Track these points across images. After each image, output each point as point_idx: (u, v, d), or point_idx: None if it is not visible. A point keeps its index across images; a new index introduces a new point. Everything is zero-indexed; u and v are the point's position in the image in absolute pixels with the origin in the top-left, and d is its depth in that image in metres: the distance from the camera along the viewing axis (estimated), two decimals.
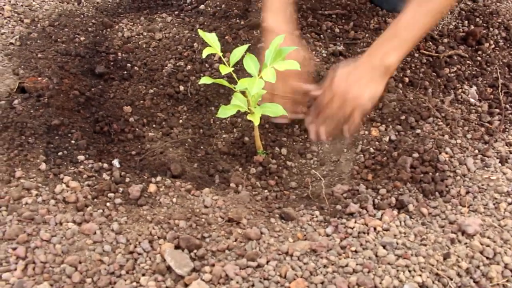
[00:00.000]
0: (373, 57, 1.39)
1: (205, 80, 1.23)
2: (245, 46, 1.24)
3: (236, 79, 1.27)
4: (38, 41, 1.66)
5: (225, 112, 1.25)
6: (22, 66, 1.55)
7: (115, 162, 1.34)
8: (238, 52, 1.23)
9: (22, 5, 1.82)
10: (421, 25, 1.38)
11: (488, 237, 1.14)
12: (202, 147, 1.52)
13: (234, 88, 1.24)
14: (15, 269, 1.03)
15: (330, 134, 1.45)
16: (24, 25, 1.75)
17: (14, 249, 1.06)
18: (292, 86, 1.45)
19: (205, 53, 1.22)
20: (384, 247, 1.10)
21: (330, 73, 1.46)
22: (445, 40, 1.80)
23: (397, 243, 1.11)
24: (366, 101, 1.39)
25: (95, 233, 1.12)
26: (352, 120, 1.42)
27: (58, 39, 1.68)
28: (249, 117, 1.28)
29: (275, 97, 1.43)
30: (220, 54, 1.25)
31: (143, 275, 1.05)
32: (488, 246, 1.12)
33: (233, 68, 1.22)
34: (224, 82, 1.27)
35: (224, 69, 1.20)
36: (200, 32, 1.26)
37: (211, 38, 1.25)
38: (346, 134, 1.45)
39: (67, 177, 1.25)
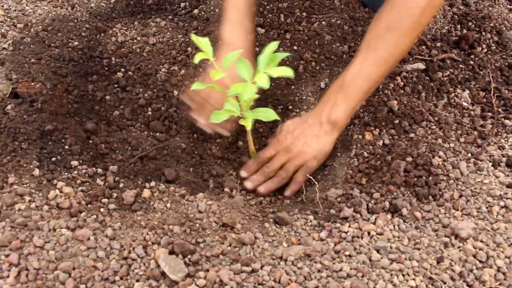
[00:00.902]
0: (321, 112, 1.35)
1: (197, 85, 1.23)
2: (238, 51, 1.24)
3: (229, 84, 1.27)
4: (31, 46, 1.66)
5: (217, 117, 1.25)
6: (15, 71, 1.54)
7: (113, 168, 1.33)
8: (230, 57, 1.23)
9: (15, 10, 1.81)
10: (368, 77, 1.33)
11: (481, 241, 1.15)
12: (196, 152, 1.52)
13: (227, 93, 1.24)
14: (8, 276, 1.02)
15: (268, 191, 1.35)
16: (17, 30, 1.74)
17: (7, 256, 1.06)
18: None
19: (197, 58, 1.22)
20: (378, 251, 1.11)
21: (278, 128, 1.43)
22: (438, 44, 1.81)
23: (391, 247, 1.12)
24: (311, 158, 1.34)
25: (88, 239, 1.12)
26: (294, 179, 1.36)
27: (52, 44, 1.67)
28: (241, 122, 1.28)
29: (207, 104, 1.40)
30: (213, 59, 1.25)
31: (137, 281, 1.04)
32: (481, 249, 1.12)
33: (225, 74, 1.22)
34: (217, 87, 1.28)
35: (216, 74, 1.20)
36: (193, 36, 1.26)
37: (204, 43, 1.25)
38: (286, 194, 1.36)
39: (60, 182, 1.25)
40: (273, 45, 1.24)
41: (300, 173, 1.35)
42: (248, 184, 1.35)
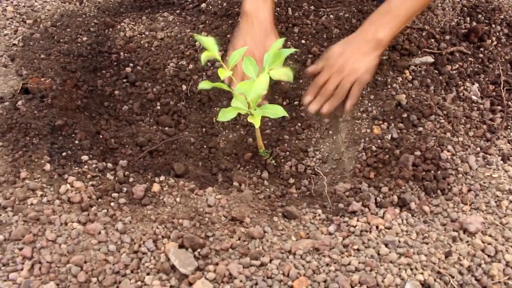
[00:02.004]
0: (366, 32, 1.45)
1: (204, 85, 1.24)
2: (244, 49, 1.24)
3: (236, 81, 1.27)
4: (41, 41, 1.67)
5: (225, 115, 1.25)
6: (25, 67, 1.55)
7: (123, 163, 1.35)
8: (237, 54, 1.23)
9: (24, 6, 1.83)
10: (415, 2, 1.42)
11: (490, 235, 1.15)
12: (205, 146, 1.53)
13: (233, 91, 1.25)
14: (22, 269, 1.04)
15: (331, 109, 1.47)
16: (26, 25, 1.75)
17: (21, 249, 1.08)
18: None
19: (204, 58, 1.22)
20: (386, 245, 1.11)
21: (324, 53, 1.51)
22: (447, 37, 1.79)
23: (399, 242, 1.12)
24: (363, 72, 1.43)
25: (99, 233, 1.13)
26: (351, 94, 1.45)
27: (61, 40, 1.68)
28: (249, 119, 1.29)
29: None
30: (219, 58, 1.24)
31: (148, 274, 1.06)
32: (489, 244, 1.12)
33: (232, 72, 1.22)
34: (224, 85, 1.28)
35: (223, 73, 1.20)
36: (196, 36, 1.26)
37: (208, 42, 1.24)
38: (348, 108, 1.47)
39: (71, 177, 1.26)
40: (279, 42, 1.24)
41: (356, 87, 1.44)
42: (313, 107, 1.46)
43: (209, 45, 1.25)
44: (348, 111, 1.48)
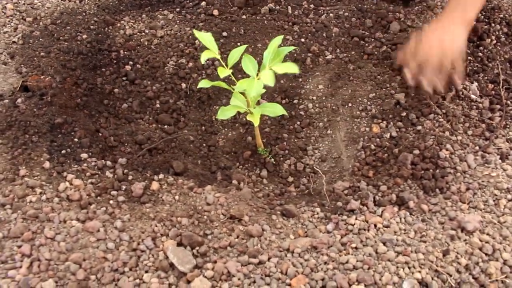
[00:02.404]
0: (452, 17, 1.52)
1: (203, 83, 1.24)
2: (243, 47, 1.24)
3: (235, 80, 1.27)
4: (41, 39, 1.67)
5: (224, 113, 1.26)
6: (25, 65, 1.56)
7: (122, 161, 1.35)
8: (236, 53, 1.23)
9: (24, 4, 1.83)
10: None
11: (488, 234, 1.15)
12: (204, 145, 1.53)
13: (233, 89, 1.25)
14: (21, 267, 1.04)
15: (440, 87, 1.52)
16: (26, 23, 1.75)
17: (19, 246, 1.08)
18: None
19: (203, 58, 1.21)
20: (384, 243, 1.12)
21: (413, 36, 1.56)
22: None
23: (397, 240, 1.13)
24: (460, 48, 1.51)
25: (98, 230, 1.14)
26: (457, 68, 1.52)
27: (60, 37, 1.69)
28: (248, 118, 1.29)
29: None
30: (218, 56, 1.24)
31: (146, 272, 1.06)
32: (487, 242, 1.13)
33: (231, 71, 1.22)
34: (223, 84, 1.28)
35: (223, 72, 1.20)
36: (195, 32, 1.26)
37: (207, 39, 1.24)
38: (458, 82, 1.55)
39: (70, 175, 1.27)
40: (277, 40, 1.24)
41: (459, 61, 1.52)
42: (429, 88, 1.52)
43: (209, 42, 1.25)
44: (459, 84, 1.56)
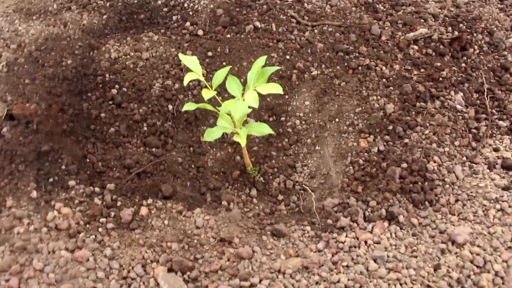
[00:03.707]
0: None
1: (188, 106, 1.24)
2: (227, 68, 1.25)
3: (220, 101, 1.27)
4: (25, 66, 1.67)
5: (211, 135, 1.26)
6: (10, 93, 1.55)
7: (110, 186, 1.34)
8: (220, 74, 1.23)
9: (8, 31, 1.82)
10: None
11: (478, 246, 1.16)
12: (193, 166, 1.53)
13: (218, 110, 1.25)
14: None
15: None
16: (10, 50, 1.75)
17: (7, 280, 1.07)
18: None
19: (186, 80, 1.22)
20: (375, 261, 1.11)
21: None
22: (432, 44, 1.81)
23: (388, 256, 1.12)
24: None
25: (88, 260, 1.13)
26: None
27: (45, 64, 1.68)
28: (235, 138, 1.29)
29: None
30: (202, 78, 1.25)
31: None
32: (478, 254, 1.13)
33: (216, 92, 1.23)
34: (208, 106, 1.28)
35: (207, 94, 1.20)
36: (180, 56, 1.27)
37: (192, 62, 1.25)
38: None
39: (58, 203, 1.26)
40: (261, 60, 1.24)
41: None
42: None
43: (193, 65, 1.25)
44: None
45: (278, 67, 1.30)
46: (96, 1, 1.99)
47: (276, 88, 1.19)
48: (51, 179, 1.33)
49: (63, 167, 1.37)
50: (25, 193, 1.27)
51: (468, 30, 1.89)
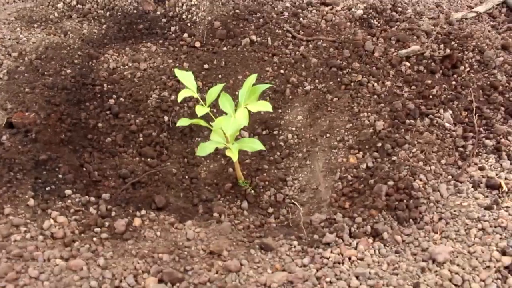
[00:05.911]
0: None
1: (182, 122, 1.28)
2: (220, 86, 1.29)
3: (213, 117, 1.32)
4: (26, 74, 1.71)
5: (204, 150, 1.30)
6: (10, 101, 1.59)
7: (105, 196, 1.38)
8: (214, 91, 1.28)
9: (9, 39, 1.86)
10: None
11: (458, 264, 1.20)
12: (187, 177, 1.57)
13: (211, 126, 1.29)
14: None
15: None
16: (11, 58, 1.79)
17: (3, 287, 1.10)
18: None
19: (181, 97, 1.26)
20: (357, 277, 1.15)
21: None
22: (424, 61, 1.85)
23: (370, 273, 1.16)
24: None
25: (82, 269, 1.17)
26: None
27: (45, 72, 1.72)
28: (227, 153, 1.33)
29: None
30: (196, 95, 1.29)
31: None
32: (457, 273, 1.17)
33: (209, 109, 1.27)
34: (201, 121, 1.32)
35: (201, 110, 1.25)
36: (176, 72, 1.31)
37: (186, 78, 1.29)
38: None
39: (55, 212, 1.30)
40: (252, 78, 1.29)
41: None
42: None
43: (188, 82, 1.30)
44: None
45: (268, 85, 1.35)
46: (97, 11, 2.04)
47: (265, 106, 1.24)
48: (48, 188, 1.37)
49: (60, 176, 1.41)
50: (23, 201, 1.31)
51: (459, 48, 1.93)
